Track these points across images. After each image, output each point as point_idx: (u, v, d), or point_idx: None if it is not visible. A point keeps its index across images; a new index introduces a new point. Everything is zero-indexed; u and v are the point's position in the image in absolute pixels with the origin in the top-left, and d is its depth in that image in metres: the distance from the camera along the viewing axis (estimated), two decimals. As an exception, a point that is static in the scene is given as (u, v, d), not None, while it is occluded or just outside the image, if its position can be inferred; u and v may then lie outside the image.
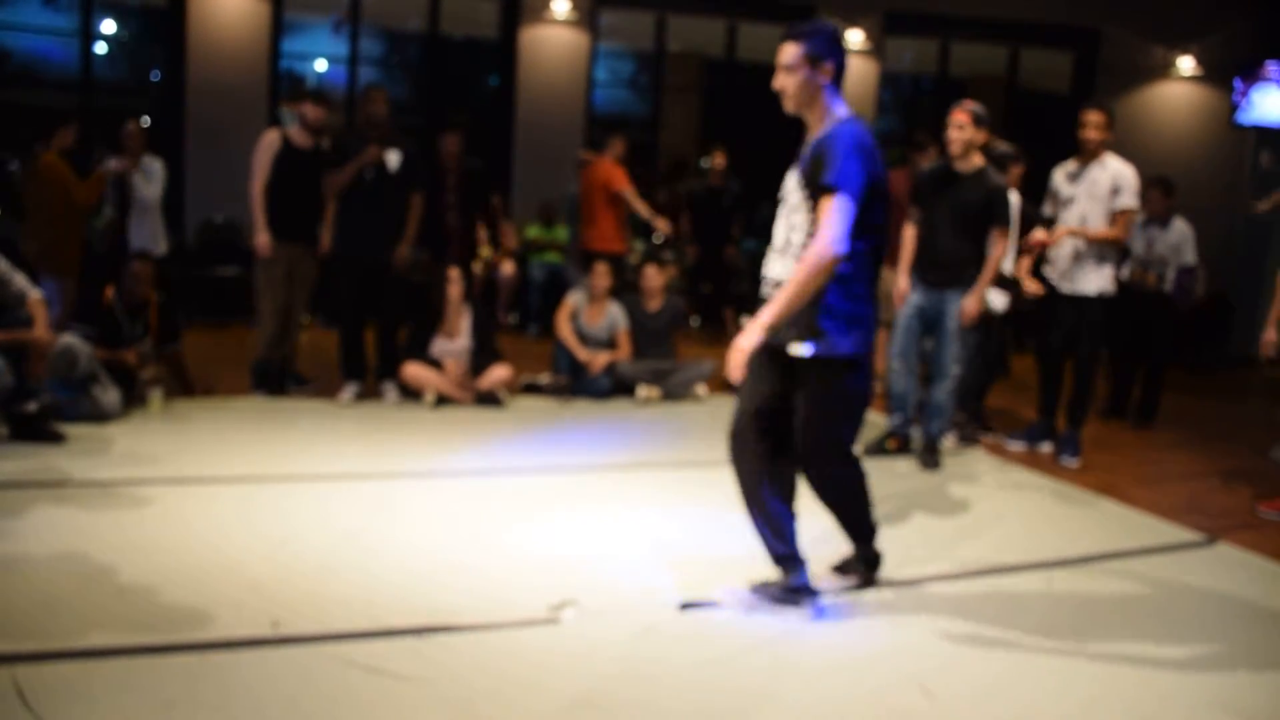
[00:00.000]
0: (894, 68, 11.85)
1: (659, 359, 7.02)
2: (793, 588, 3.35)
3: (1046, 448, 6.01)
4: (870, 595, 3.59)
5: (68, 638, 2.85)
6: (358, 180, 6.10)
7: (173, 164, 7.68)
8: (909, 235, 5.57)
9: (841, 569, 3.67)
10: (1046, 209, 6.00)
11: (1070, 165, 5.84)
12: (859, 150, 3.09)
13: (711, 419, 6.30)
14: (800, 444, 3.29)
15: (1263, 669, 3.19)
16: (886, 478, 5.23)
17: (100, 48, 10.74)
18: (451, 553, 3.76)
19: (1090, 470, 5.67)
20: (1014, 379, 8.29)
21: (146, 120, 9.73)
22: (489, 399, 6.37)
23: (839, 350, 3.17)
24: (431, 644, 3.00)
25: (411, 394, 6.31)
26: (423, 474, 4.84)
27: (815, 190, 3.12)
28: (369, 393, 6.32)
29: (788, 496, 3.37)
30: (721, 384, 7.23)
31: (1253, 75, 10.79)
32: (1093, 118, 5.66)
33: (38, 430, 4.86)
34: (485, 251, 9.08)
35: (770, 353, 3.23)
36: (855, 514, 3.53)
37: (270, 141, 6.22)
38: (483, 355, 6.44)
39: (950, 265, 5.35)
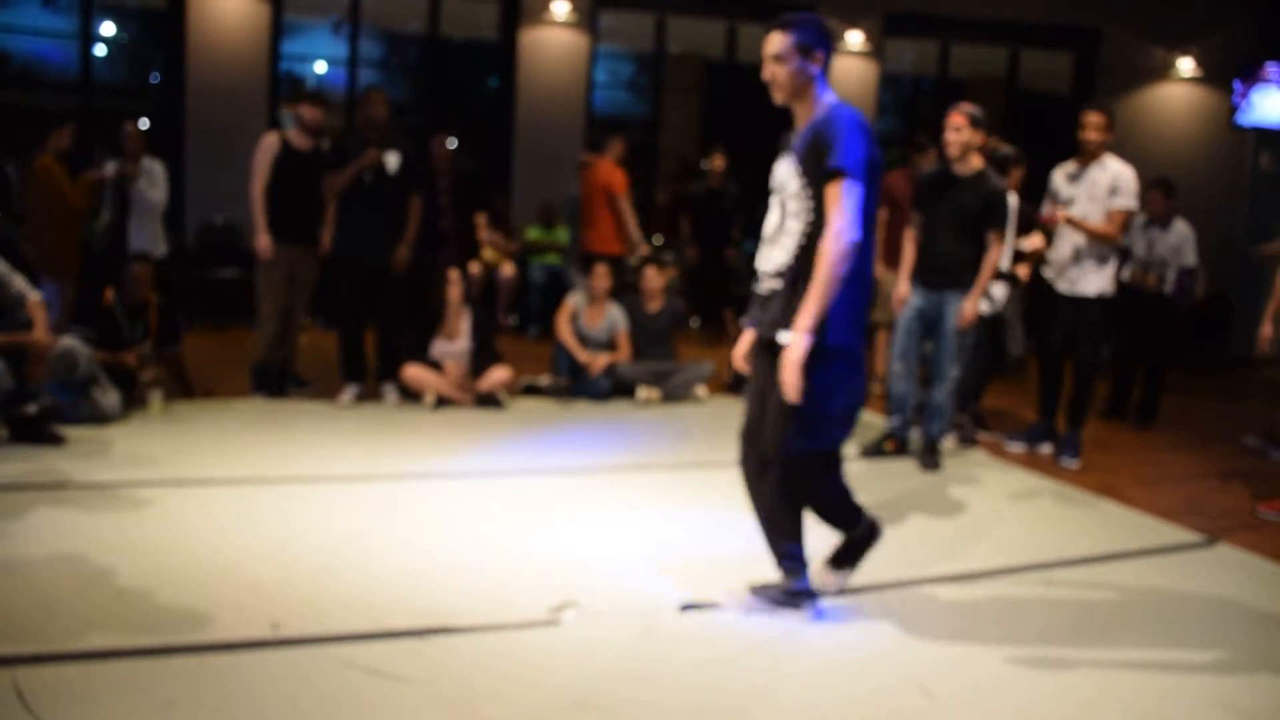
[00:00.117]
0: (894, 69, 11.85)
1: (659, 360, 7.02)
2: (794, 591, 3.34)
3: (1046, 449, 6.02)
4: (870, 597, 3.59)
5: (68, 639, 2.85)
6: (357, 182, 6.10)
7: (173, 166, 7.68)
8: (910, 238, 5.57)
9: (836, 560, 3.44)
10: (1046, 210, 6.00)
11: (1070, 166, 5.84)
12: (861, 131, 3.06)
13: (712, 420, 6.30)
14: (767, 435, 3.18)
15: (1262, 670, 3.19)
16: (886, 479, 5.24)
17: (100, 50, 10.74)
18: (452, 554, 3.76)
19: (1090, 471, 5.67)
20: (1012, 379, 8.30)
21: (145, 122, 9.73)
22: (489, 400, 6.37)
23: (825, 340, 3.08)
24: (432, 645, 3.00)
25: (411, 396, 6.31)
26: (423, 475, 4.84)
27: (820, 175, 3.07)
28: (369, 394, 6.32)
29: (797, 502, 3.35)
30: (722, 385, 7.25)
31: (1252, 76, 10.79)
32: (1092, 119, 5.67)
33: (37, 432, 4.86)
34: (488, 253, 9.09)
35: (763, 345, 3.24)
36: (836, 514, 3.37)
37: (269, 144, 6.22)
38: (483, 357, 6.44)
39: (950, 268, 5.36)
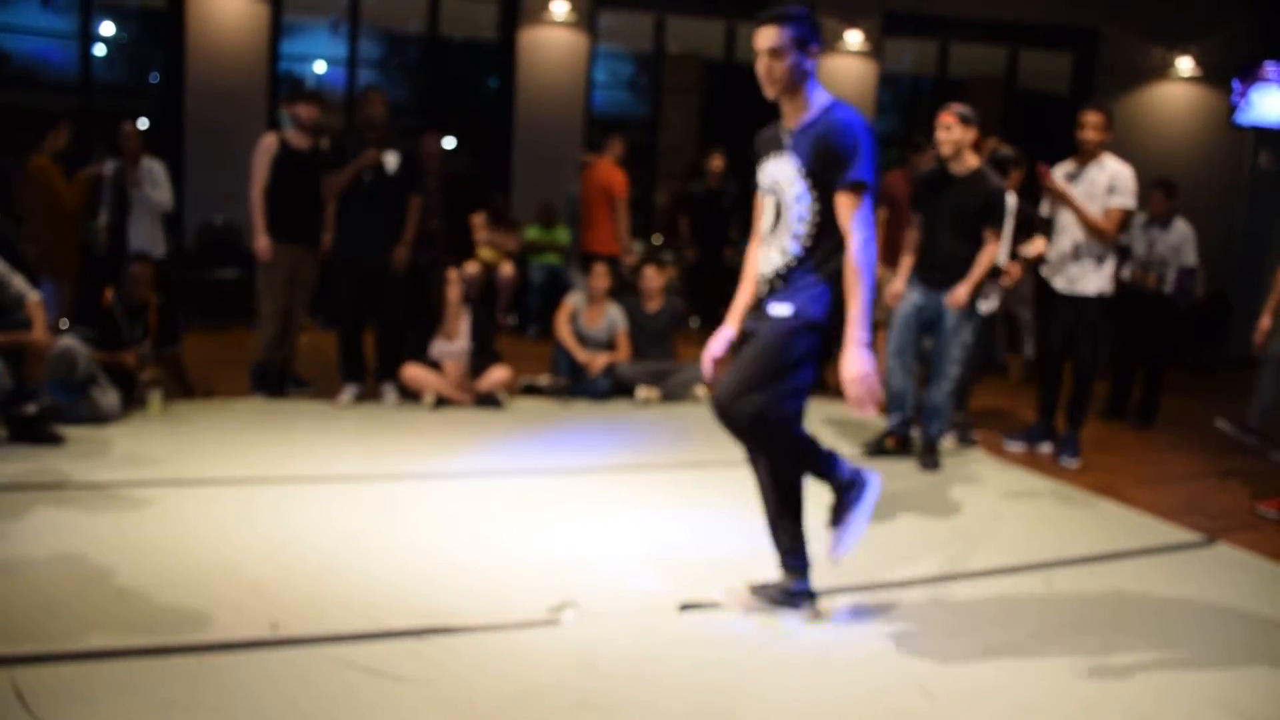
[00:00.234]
0: (893, 68, 11.85)
1: (658, 360, 7.03)
2: (794, 591, 3.34)
3: (1046, 448, 6.02)
4: (869, 596, 3.59)
5: (67, 640, 2.85)
6: (356, 182, 6.10)
7: (172, 166, 7.68)
8: (910, 239, 5.57)
9: (833, 518, 3.27)
10: (1045, 210, 6.00)
11: (1068, 166, 5.84)
12: (874, 140, 3.09)
13: (711, 420, 6.28)
14: (728, 383, 3.16)
15: (1262, 669, 3.19)
16: (885, 479, 5.21)
17: (99, 50, 10.74)
18: (451, 554, 3.76)
19: (1090, 471, 5.67)
20: (1009, 379, 8.32)
21: (145, 122, 9.73)
22: (488, 400, 6.37)
23: (810, 313, 3.13)
24: (431, 645, 3.00)
25: (411, 396, 6.31)
26: (422, 475, 4.84)
27: (832, 183, 3.08)
28: (368, 394, 6.32)
29: (799, 501, 3.35)
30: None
31: (1251, 76, 10.79)
32: (1091, 118, 5.67)
33: (37, 432, 4.86)
34: (487, 253, 9.09)
35: (746, 334, 3.26)
36: (814, 463, 3.24)
37: (268, 145, 6.22)
38: (482, 357, 6.44)
39: (950, 266, 5.36)
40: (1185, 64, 11.23)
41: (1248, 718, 2.87)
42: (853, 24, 10.76)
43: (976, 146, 5.55)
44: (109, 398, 5.38)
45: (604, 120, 11.21)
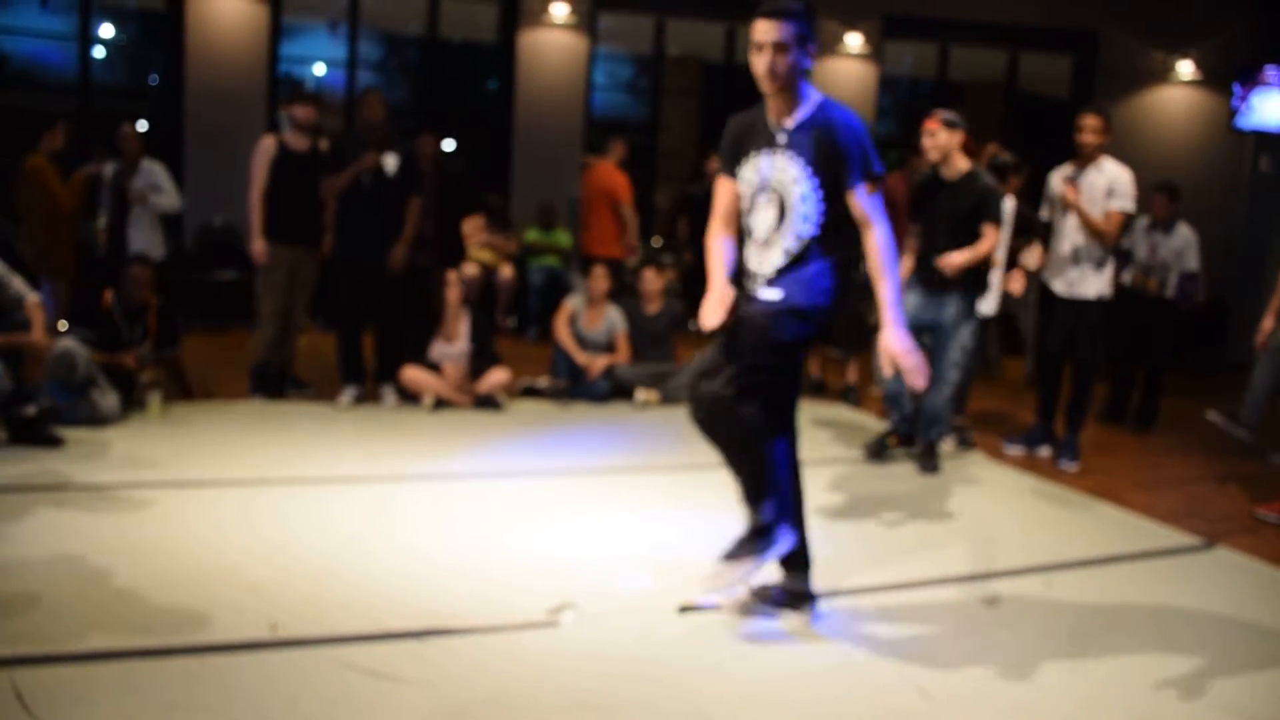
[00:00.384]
0: (893, 71, 11.87)
1: (658, 362, 7.03)
2: (793, 592, 3.34)
3: (1045, 451, 6.02)
4: (868, 598, 3.59)
5: (67, 641, 2.85)
6: (355, 184, 6.10)
7: (172, 168, 7.68)
8: (909, 247, 5.58)
9: (731, 554, 3.18)
10: (1044, 213, 6.01)
11: (1067, 169, 5.84)
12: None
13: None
14: (704, 364, 3.15)
15: (1260, 672, 3.19)
16: (885, 481, 5.25)
17: (99, 52, 10.75)
18: (451, 556, 3.76)
19: (1089, 474, 5.67)
20: (1002, 381, 8.32)
21: (144, 124, 9.73)
22: (488, 402, 6.37)
23: (798, 300, 3.14)
24: (431, 647, 3.00)
25: (410, 397, 6.31)
26: (422, 477, 4.84)
27: (846, 177, 3.12)
28: (368, 396, 6.32)
29: (798, 501, 3.35)
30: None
31: (1252, 79, 10.80)
32: (1089, 121, 5.67)
33: (36, 434, 4.85)
34: (485, 254, 9.09)
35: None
36: (750, 465, 3.16)
37: (266, 148, 6.23)
38: (481, 359, 6.44)
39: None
40: (1185, 67, 11.24)
41: (1246, 719, 2.87)
42: (853, 26, 10.76)
43: (969, 150, 5.56)
44: (108, 399, 5.38)
45: (604, 122, 11.22)
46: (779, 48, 3.10)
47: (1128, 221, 5.91)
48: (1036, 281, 6.09)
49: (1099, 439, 6.58)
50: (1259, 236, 11.05)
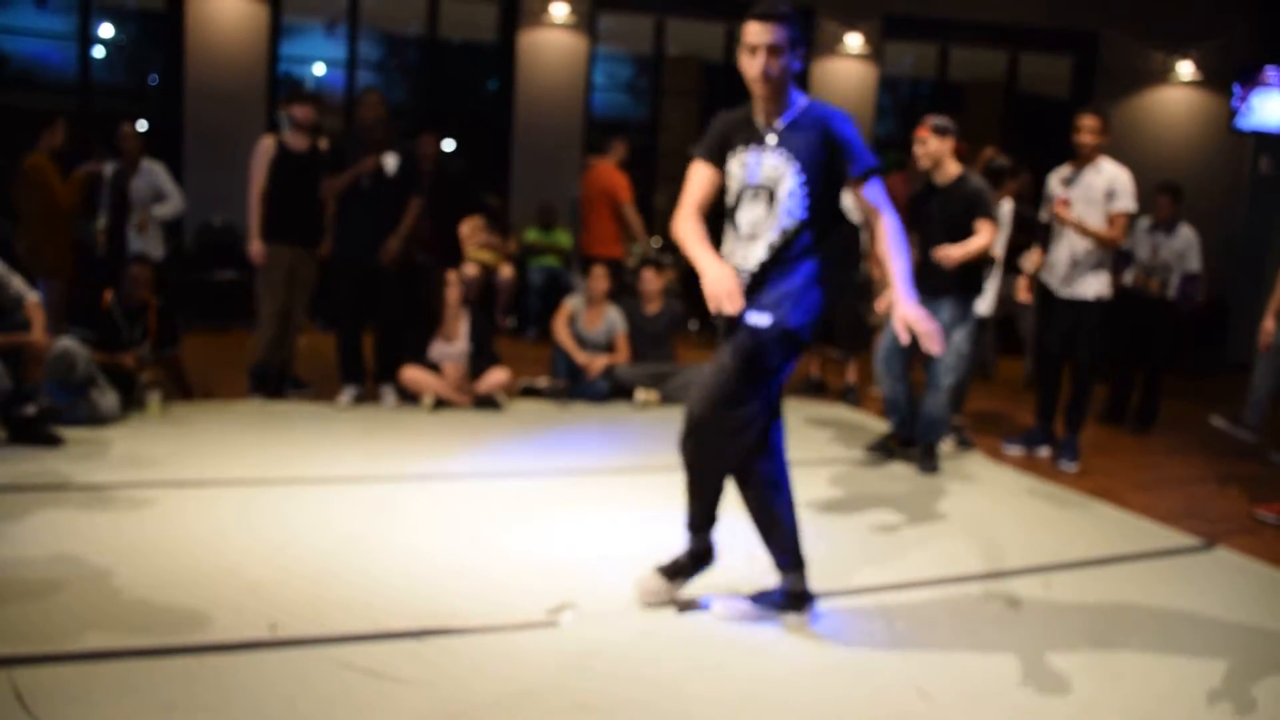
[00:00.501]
0: (893, 72, 11.87)
1: (657, 362, 7.03)
2: (792, 592, 3.34)
3: (1045, 452, 6.02)
4: (868, 599, 3.59)
5: (66, 640, 2.85)
6: (355, 184, 6.11)
7: (172, 168, 7.69)
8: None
9: (669, 571, 3.41)
10: (1044, 215, 6.00)
11: (1065, 170, 5.84)
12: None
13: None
14: (697, 395, 3.24)
15: (1260, 673, 3.19)
16: (884, 481, 5.25)
17: (98, 51, 10.75)
18: (450, 556, 3.76)
19: (1088, 475, 5.67)
20: (1001, 382, 8.32)
21: (144, 124, 9.74)
22: (487, 402, 6.37)
23: (788, 322, 3.14)
24: (430, 647, 3.00)
25: (410, 397, 6.31)
26: (421, 477, 4.84)
27: (844, 173, 3.15)
28: (367, 396, 6.32)
29: (789, 501, 3.36)
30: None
31: (1252, 80, 10.80)
32: (1087, 122, 5.67)
33: (36, 433, 4.86)
34: (485, 254, 9.09)
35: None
36: (712, 491, 3.39)
37: (265, 148, 6.23)
38: (481, 359, 6.44)
39: (945, 272, 5.36)
40: (1185, 68, 11.25)
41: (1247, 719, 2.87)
42: (853, 27, 10.78)
43: (961, 154, 5.57)
44: (108, 399, 5.38)
45: (604, 123, 11.22)
46: (773, 50, 3.12)
47: (1130, 221, 5.91)
48: (1035, 282, 6.09)
49: (1099, 439, 6.58)
50: (1259, 237, 11.06)
